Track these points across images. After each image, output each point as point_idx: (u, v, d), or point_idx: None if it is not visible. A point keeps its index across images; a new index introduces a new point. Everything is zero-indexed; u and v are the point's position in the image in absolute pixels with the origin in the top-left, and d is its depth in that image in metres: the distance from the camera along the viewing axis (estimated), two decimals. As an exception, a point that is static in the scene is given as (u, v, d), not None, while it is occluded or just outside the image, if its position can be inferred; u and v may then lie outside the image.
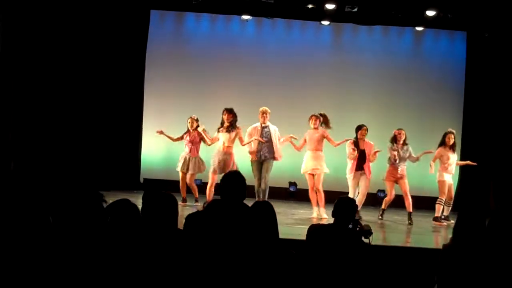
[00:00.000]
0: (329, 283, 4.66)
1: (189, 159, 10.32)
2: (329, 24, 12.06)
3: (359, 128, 10.14)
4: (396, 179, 10.06)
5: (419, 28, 12.11)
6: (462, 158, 12.07)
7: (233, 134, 9.92)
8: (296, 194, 11.63)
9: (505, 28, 11.20)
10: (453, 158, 10.21)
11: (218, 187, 6.64)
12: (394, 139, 10.09)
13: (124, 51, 11.89)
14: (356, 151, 9.89)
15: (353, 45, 12.50)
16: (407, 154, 10.08)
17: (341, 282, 4.67)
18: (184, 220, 4.33)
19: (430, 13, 11.02)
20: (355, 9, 11.12)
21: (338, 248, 4.76)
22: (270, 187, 10.01)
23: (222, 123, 10.02)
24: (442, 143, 10.19)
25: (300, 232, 7.40)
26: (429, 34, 12.44)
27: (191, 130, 10.38)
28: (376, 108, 12.35)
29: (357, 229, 4.94)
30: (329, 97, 12.34)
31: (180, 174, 10.34)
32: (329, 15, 11.43)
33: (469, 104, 12.25)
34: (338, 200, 5.09)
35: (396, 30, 12.45)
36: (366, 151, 10.04)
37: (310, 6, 11.14)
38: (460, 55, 12.38)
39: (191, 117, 10.43)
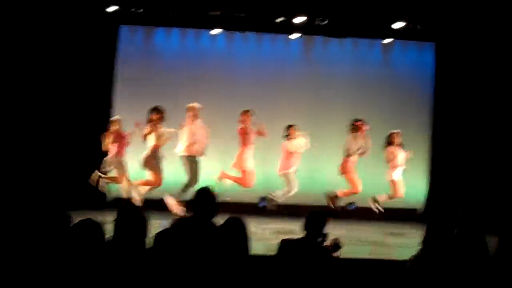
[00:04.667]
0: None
1: None
2: (300, 37, 12.13)
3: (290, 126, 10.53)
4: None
5: (389, 40, 12.24)
6: (432, 167, 12.22)
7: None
8: (267, 210, 11.60)
9: (472, 39, 11.36)
10: (401, 157, 10.35)
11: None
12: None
13: (92, 67, 11.77)
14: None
15: (324, 58, 12.58)
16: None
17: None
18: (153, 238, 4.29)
19: (399, 24, 11.15)
20: (325, 22, 11.20)
21: (308, 262, 4.76)
22: (241, 202, 10.05)
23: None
24: (391, 143, 10.33)
25: (271, 248, 7.40)
26: (398, 46, 12.58)
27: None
28: (346, 119, 12.39)
29: (323, 243, 4.94)
30: (300, 109, 12.37)
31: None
32: (299, 28, 11.50)
33: (438, 114, 12.39)
34: (309, 213, 5.09)
35: (366, 42, 12.56)
36: None
37: (280, 19, 11.19)
38: (429, 65, 12.54)
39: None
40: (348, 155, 10.18)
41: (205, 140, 10.02)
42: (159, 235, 4.38)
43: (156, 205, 9.74)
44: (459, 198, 11.58)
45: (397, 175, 10.33)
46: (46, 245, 3.71)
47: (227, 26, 11.69)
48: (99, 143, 11.37)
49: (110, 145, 10.52)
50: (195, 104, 10.11)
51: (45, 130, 11.28)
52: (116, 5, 10.85)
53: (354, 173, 10.09)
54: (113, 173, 10.76)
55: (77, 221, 3.95)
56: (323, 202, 10.94)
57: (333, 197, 9.94)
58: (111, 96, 12.09)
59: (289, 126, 10.54)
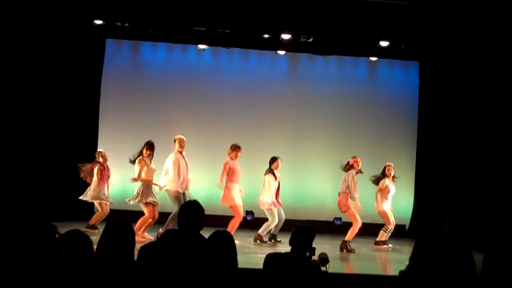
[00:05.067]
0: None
1: None
2: (285, 54, 12.19)
3: (273, 160, 10.31)
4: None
5: (373, 58, 12.35)
6: (416, 184, 12.29)
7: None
8: (253, 223, 11.59)
9: (456, 58, 11.50)
10: (393, 190, 10.46)
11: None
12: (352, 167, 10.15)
13: (79, 80, 11.78)
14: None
15: (309, 75, 12.67)
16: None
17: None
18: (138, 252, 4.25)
19: (384, 43, 11.24)
20: (311, 39, 11.26)
21: (295, 276, 4.73)
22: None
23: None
24: (384, 175, 10.41)
25: (257, 261, 7.37)
26: (383, 64, 12.71)
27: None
28: (331, 136, 12.49)
29: (311, 258, 4.92)
30: (285, 125, 12.44)
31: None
32: (285, 45, 11.54)
33: (423, 131, 12.52)
34: (295, 228, 5.07)
35: (351, 60, 12.66)
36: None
37: (266, 36, 11.24)
38: (413, 84, 12.69)
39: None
40: (352, 197, 10.04)
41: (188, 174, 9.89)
42: (144, 249, 4.34)
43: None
44: (445, 214, 11.64)
45: (387, 206, 10.38)
46: (33, 255, 3.66)
47: (212, 42, 11.70)
48: (83, 156, 11.33)
49: (94, 176, 10.47)
50: (182, 136, 9.96)
51: (30, 140, 11.21)
52: (101, 19, 10.83)
53: (352, 208, 10.02)
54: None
55: (64, 232, 3.91)
56: (309, 216, 10.96)
57: (345, 244, 9.81)
58: (98, 110, 12.04)
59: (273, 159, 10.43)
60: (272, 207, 10.09)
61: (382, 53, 11.78)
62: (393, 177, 10.52)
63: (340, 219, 12.01)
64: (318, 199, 12.28)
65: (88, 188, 10.51)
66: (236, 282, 4.21)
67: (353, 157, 10.21)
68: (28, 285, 3.53)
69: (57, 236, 3.89)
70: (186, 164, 9.77)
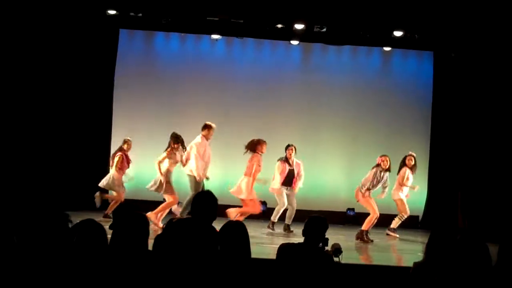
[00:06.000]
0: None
1: None
2: (298, 44, 12.14)
3: (287, 147, 10.39)
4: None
5: (387, 48, 12.27)
6: (429, 176, 12.23)
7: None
8: (268, 213, 11.59)
9: (470, 48, 11.40)
10: (411, 180, 10.46)
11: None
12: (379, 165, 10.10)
13: (92, 70, 11.82)
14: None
15: (322, 65, 12.60)
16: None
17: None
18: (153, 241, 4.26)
19: (398, 33, 11.17)
20: (324, 29, 11.21)
21: (308, 266, 4.73)
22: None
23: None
24: (404, 165, 10.42)
25: (270, 251, 7.38)
26: (397, 54, 12.61)
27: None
28: (344, 126, 12.44)
29: (324, 248, 4.91)
30: (298, 115, 12.40)
31: None
32: (298, 35, 11.51)
33: (437, 122, 12.43)
34: (308, 219, 5.06)
35: (364, 50, 12.59)
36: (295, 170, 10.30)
37: (279, 26, 11.20)
38: (427, 74, 12.57)
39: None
40: (362, 187, 10.01)
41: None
42: (159, 238, 4.35)
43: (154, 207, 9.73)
44: (459, 205, 11.59)
45: (403, 194, 10.38)
46: (46, 245, 3.67)
47: (226, 32, 11.69)
48: (97, 145, 11.40)
49: (114, 165, 10.60)
50: (212, 124, 10.02)
51: (45, 130, 11.29)
52: (115, 9, 10.85)
53: (369, 198, 9.99)
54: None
55: (78, 222, 3.92)
56: (322, 207, 10.95)
57: (361, 234, 9.78)
58: (112, 100, 12.09)
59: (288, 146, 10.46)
60: (282, 191, 10.17)
61: (396, 43, 11.71)
62: (413, 167, 10.46)
63: (353, 209, 11.98)
64: (331, 190, 12.25)
65: (108, 176, 10.60)
66: (249, 273, 4.20)
67: (380, 156, 10.16)
68: (42, 274, 3.54)
69: (70, 225, 3.91)
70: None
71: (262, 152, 10.03)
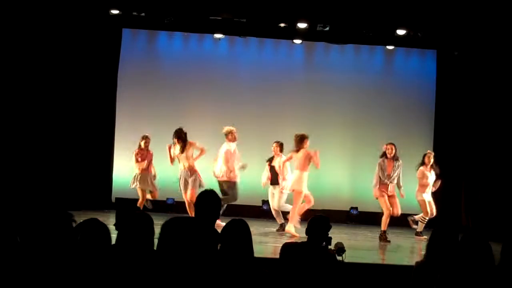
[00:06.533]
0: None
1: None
2: (301, 43, 12.15)
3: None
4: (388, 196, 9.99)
5: (390, 47, 12.26)
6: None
7: (189, 151, 9.86)
8: (269, 213, 11.61)
9: (473, 46, 11.39)
10: (431, 178, 10.34)
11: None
12: (384, 155, 10.05)
13: (96, 70, 11.83)
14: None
15: (325, 64, 12.60)
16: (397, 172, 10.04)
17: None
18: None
19: (401, 32, 11.17)
20: (327, 28, 11.21)
21: (311, 265, 4.74)
22: (242, 205, 10.03)
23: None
24: (423, 163, 10.30)
25: (273, 251, 7.39)
26: (400, 53, 12.61)
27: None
28: (347, 125, 12.44)
29: (327, 247, 4.93)
30: (301, 115, 12.40)
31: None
32: (301, 34, 11.51)
33: (440, 120, 12.42)
34: (311, 218, 5.07)
35: (367, 49, 12.58)
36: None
37: (282, 25, 11.21)
38: (431, 72, 12.57)
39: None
40: (383, 183, 9.96)
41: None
42: (161, 238, 4.35)
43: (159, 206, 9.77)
44: (462, 204, 11.58)
45: (426, 195, 10.30)
46: (50, 245, 3.68)
47: (229, 31, 11.70)
48: (101, 144, 11.40)
49: (139, 162, 10.57)
50: (233, 128, 10.12)
51: (48, 130, 11.30)
52: (118, 9, 10.87)
53: (383, 197, 9.94)
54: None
55: (81, 221, 3.93)
56: (325, 206, 10.95)
57: (384, 235, 9.74)
58: (115, 99, 12.11)
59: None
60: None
61: (399, 41, 11.71)
62: (432, 165, 10.38)
63: (356, 208, 12.00)
64: (334, 189, 12.26)
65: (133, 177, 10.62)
66: (252, 272, 4.21)
67: (386, 144, 10.10)
68: (46, 274, 3.55)
69: (74, 224, 3.91)
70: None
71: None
